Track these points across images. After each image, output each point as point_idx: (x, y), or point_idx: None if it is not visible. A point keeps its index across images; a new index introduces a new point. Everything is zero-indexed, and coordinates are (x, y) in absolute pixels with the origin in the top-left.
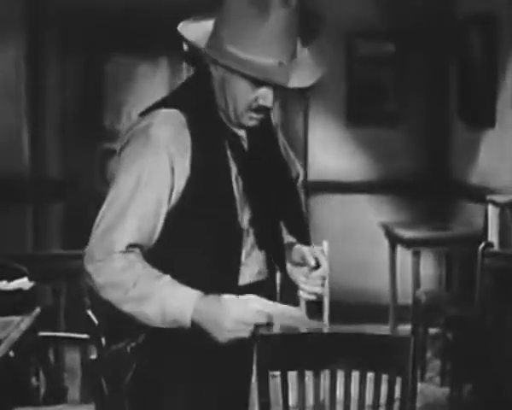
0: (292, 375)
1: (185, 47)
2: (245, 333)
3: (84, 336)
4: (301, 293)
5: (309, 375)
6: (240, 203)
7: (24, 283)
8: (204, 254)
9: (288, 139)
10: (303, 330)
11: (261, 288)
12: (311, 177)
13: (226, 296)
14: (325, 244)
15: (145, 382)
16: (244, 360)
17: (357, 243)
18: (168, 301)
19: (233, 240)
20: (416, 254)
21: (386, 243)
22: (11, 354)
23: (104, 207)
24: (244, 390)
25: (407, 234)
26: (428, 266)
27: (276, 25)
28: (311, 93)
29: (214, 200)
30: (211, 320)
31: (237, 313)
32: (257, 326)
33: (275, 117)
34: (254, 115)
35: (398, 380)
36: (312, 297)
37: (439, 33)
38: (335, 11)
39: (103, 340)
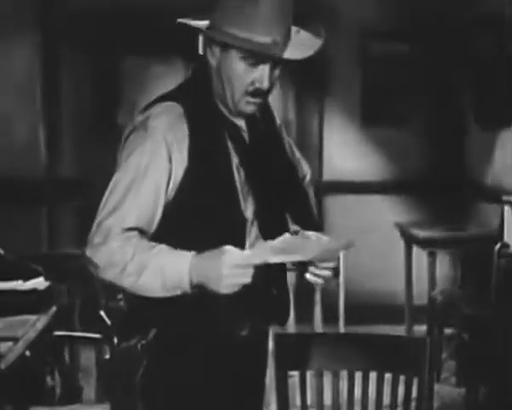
0: (308, 375)
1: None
2: (246, 278)
3: (99, 335)
4: (308, 276)
5: (326, 375)
6: (242, 194)
7: (39, 282)
8: (207, 244)
9: (303, 140)
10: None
11: (266, 278)
12: (326, 177)
13: (222, 247)
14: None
15: (156, 378)
16: (257, 356)
17: (372, 244)
18: (165, 266)
19: (236, 230)
20: (432, 255)
21: (401, 243)
22: (27, 353)
23: (106, 194)
24: (258, 386)
25: (422, 234)
26: (444, 267)
27: (271, 5)
28: (324, 95)
29: (214, 189)
30: (208, 272)
31: (233, 258)
32: (257, 268)
33: (290, 117)
34: (251, 100)
35: (415, 381)
36: (320, 281)
37: (453, 33)
38: (350, 12)
39: (115, 339)
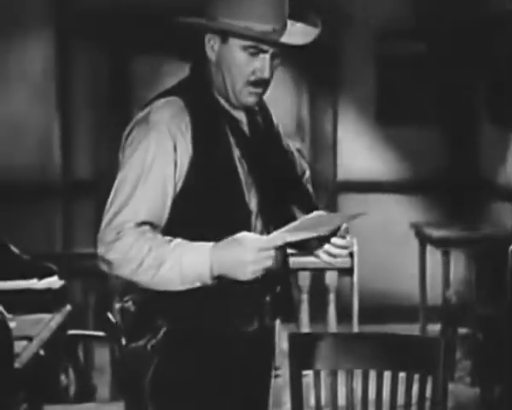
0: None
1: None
2: (269, 261)
3: (108, 336)
4: (322, 255)
5: (340, 375)
6: (246, 185)
7: (54, 281)
8: (214, 237)
9: (317, 139)
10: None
11: (271, 270)
12: (340, 176)
13: (238, 235)
14: (355, 244)
15: (166, 378)
16: (265, 352)
17: (386, 243)
18: (184, 259)
19: (242, 222)
20: (446, 254)
21: (415, 242)
22: (42, 352)
23: (112, 193)
24: (265, 382)
25: (436, 234)
26: (458, 266)
27: None
28: (339, 91)
29: (219, 181)
30: (231, 260)
31: (255, 242)
32: (278, 250)
33: (304, 115)
34: (253, 90)
35: (429, 380)
36: (332, 260)
37: (468, 33)
38: (365, 11)
39: (123, 339)
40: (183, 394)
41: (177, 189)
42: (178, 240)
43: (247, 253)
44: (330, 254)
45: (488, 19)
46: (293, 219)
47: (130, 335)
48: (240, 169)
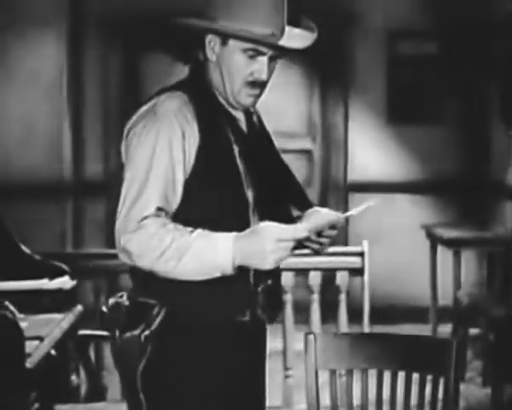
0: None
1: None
2: (287, 251)
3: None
4: (307, 244)
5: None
6: (246, 181)
7: (65, 281)
8: (216, 224)
9: (329, 139)
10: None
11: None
12: (351, 176)
13: (256, 226)
14: (365, 244)
15: (159, 368)
16: (258, 343)
17: (397, 243)
18: (206, 250)
19: (242, 214)
20: (457, 255)
21: (426, 243)
22: (53, 352)
23: (125, 186)
24: (260, 374)
25: (448, 234)
26: (469, 267)
27: None
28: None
29: (223, 172)
30: (252, 250)
31: (275, 233)
32: (297, 241)
33: (315, 115)
34: (250, 91)
35: (442, 381)
36: (316, 246)
37: (480, 33)
38: (377, 11)
39: (117, 331)
40: (175, 384)
41: (187, 175)
42: (199, 230)
43: (268, 243)
44: (319, 243)
45: (500, 19)
46: (288, 215)
47: (124, 326)
48: (240, 165)
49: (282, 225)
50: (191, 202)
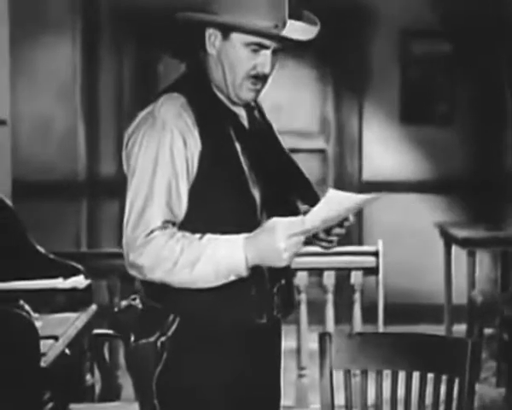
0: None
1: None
2: (299, 245)
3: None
4: (317, 242)
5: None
6: (251, 179)
7: (79, 281)
8: (223, 228)
9: (343, 138)
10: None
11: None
12: (365, 176)
13: (266, 224)
14: (380, 243)
15: (175, 374)
16: (274, 343)
17: (411, 243)
18: (218, 254)
19: (250, 214)
20: (471, 254)
21: (440, 242)
22: (67, 351)
23: (129, 199)
24: (276, 375)
25: (462, 234)
26: (483, 266)
27: None
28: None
29: (227, 174)
30: (265, 249)
31: (286, 229)
32: (308, 232)
33: (329, 115)
34: (252, 85)
35: (457, 381)
36: (324, 244)
37: (493, 33)
38: (390, 10)
39: (132, 337)
40: (190, 390)
41: (191, 182)
42: (209, 235)
43: (280, 241)
44: (323, 241)
45: None
46: (296, 210)
47: (139, 332)
48: (243, 162)
49: (291, 219)
50: (198, 208)
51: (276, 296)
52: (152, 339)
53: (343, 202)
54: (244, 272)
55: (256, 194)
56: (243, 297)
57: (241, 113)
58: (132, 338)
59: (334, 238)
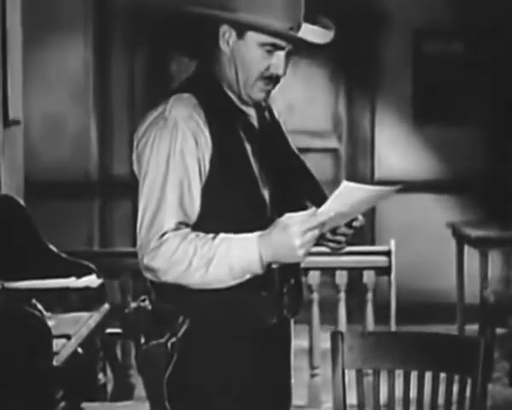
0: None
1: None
2: (313, 240)
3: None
4: (324, 242)
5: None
6: (261, 180)
7: (92, 280)
8: (235, 227)
9: (355, 138)
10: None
11: (286, 268)
12: (378, 176)
13: (279, 221)
14: (392, 243)
15: (186, 375)
16: (284, 343)
17: (423, 243)
18: (232, 254)
19: (261, 215)
20: (484, 254)
21: (452, 242)
22: (80, 350)
23: (142, 202)
24: (286, 375)
25: (474, 233)
26: (496, 266)
27: None
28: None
29: (237, 174)
30: (280, 247)
31: (299, 226)
32: (322, 225)
33: (342, 115)
34: (264, 86)
35: (469, 381)
36: (332, 245)
37: (507, 32)
38: (404, 10)
39: (142, 338)
40: (201, 391)
41: (203, 183)
42: (222, 235)
43: (295, 237)
44: (330, 241)
45: None
46: (305, 210)
47: (149, 333)
48: (254, 164)
49: (304, 213)
50: (210, 208)
51: (285, 296)
52: (162, 340)
53: (357, 193)
54: (259, 270)
55: (266, 194)
56: (254, 298)
57: (251, 112)
58: (143, 340)
59: (342, 239)
